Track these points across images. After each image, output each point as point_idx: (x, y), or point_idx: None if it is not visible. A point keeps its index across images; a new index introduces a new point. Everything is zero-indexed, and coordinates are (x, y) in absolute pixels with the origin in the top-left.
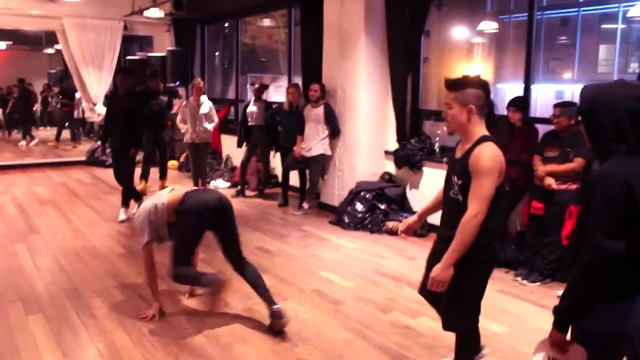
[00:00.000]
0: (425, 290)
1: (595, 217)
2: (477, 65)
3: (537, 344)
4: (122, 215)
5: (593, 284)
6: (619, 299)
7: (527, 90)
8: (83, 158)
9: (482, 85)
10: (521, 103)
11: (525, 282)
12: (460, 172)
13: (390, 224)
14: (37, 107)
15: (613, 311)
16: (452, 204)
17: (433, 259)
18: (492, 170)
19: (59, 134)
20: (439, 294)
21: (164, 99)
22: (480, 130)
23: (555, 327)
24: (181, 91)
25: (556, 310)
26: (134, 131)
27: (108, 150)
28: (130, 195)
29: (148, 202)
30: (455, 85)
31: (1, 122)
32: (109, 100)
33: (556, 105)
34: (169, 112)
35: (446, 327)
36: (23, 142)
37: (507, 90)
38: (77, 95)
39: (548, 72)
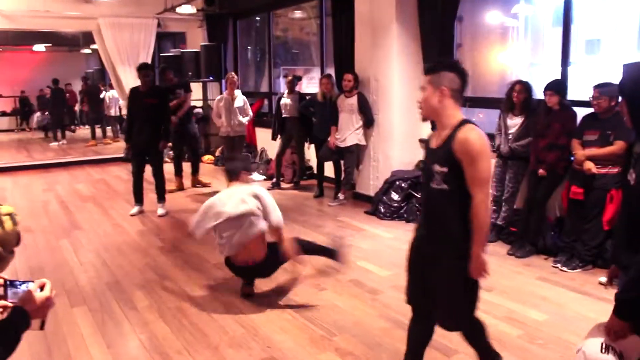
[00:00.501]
0: (414, 298)
1: None
2: (512, 49)
3: (591, 328)
4: (160, 210)
5: None
6: None
7: (564, 71)
8: (121, 155)
9: (457, 69)
10: (558, 86)
11: (565, 268)
12: (444, 160)
13: None
14: (77, 106)
15: None
16: (437, 195)
17: (416, 257)
18: (484, 152)
19: (92, 132)
20: (429, 300)
21: (180, 92)
22: (457, 115)
23: (615, 314)
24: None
25: (618, 297)
26: (162, 126)
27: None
28: (164, 189)
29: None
30: (431, 68)
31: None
32: (131, 97)
33: (595, 87)
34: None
35: (448, 327)
36: (55, 143)
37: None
38: (105, 94)
39: (586, 52)
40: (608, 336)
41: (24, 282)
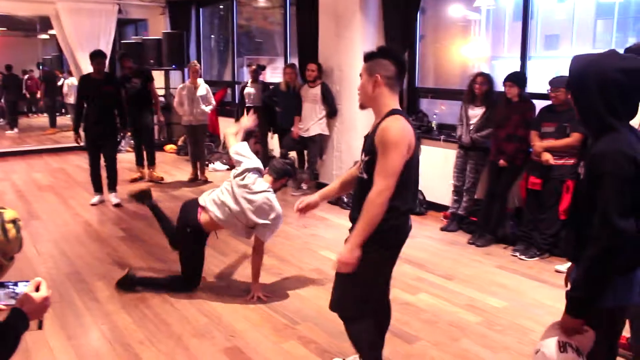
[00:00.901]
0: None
1: (606, 197)
2: (474, 42)
3: (547, 328)
4: (114, 200)
5: (611, 264)
6: (623, 273)
7: (523, 65)
8: (82, 144)
9: (392, 56)
10: (518, 78)
11: (523, 257)
12: (367, 149)
13: None
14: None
15: (618, 286)
16: (358, 183)
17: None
18: (397, 144)
19: (51, 120)
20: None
21: (137, 81)
22: (391, 104)
23: (569, 313)
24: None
25: (571, 296)
26: (117, 114)
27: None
28: (116, 178)
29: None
30: (367, 55)
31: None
32: (84, 85)
33: (550, 81)
34: (148, 94)
35: (330, 306)
36: (10, 131)
37: (504, 66)
38: (64, 81)
39: (544, 47)
40: (564, 333)
41: (15, 283)
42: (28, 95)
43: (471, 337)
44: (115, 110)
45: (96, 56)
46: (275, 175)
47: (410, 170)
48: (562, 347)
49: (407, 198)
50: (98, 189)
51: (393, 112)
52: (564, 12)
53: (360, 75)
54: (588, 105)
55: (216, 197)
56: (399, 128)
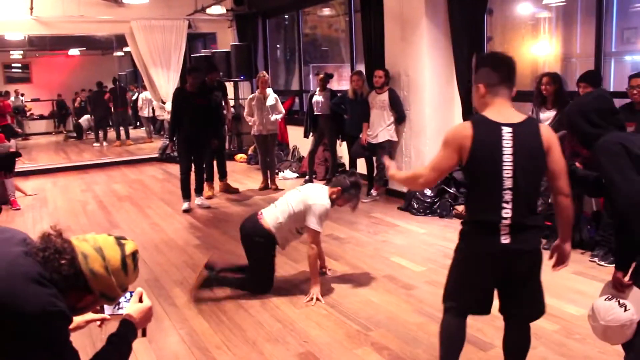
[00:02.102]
0: None
1: (610, 173)
2: (544, 41)
3: (603, 287)
4: (201, 201)
5: (631, 223)
6: None
7: (598, 64)
8: (155, 155)
9: (490, 62)
10: (592, 78)
11: (602, 262)
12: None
13: (460, 208)
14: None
15: None
16: None
17: None
18: (444, 143)
19: (117, 133)
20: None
21: (218, 94)
22: (486, 110)
23: (615, 267)
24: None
25: (613, 252)
26: (215, 125)
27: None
28: (203, 182)
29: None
30: (474, 65)
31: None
32: (179, 98)
33: (632, 76)
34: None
35: (539, 313)
36: (97, 144)
37: (578, 64)
38: (139, 95)
39: (622, 42)
40: (613, 288)
41: None
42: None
43: (548, 346)
44: (208, 121)
45: (192, 71)
46: (335, 186)
47: (474, 178)
48: (608, 298)
49: (475, 209)
50: (187, 195)
51: (470, 118)
52: None
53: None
54: (584, 131)
55: (272, 206)
56: (452, 130)
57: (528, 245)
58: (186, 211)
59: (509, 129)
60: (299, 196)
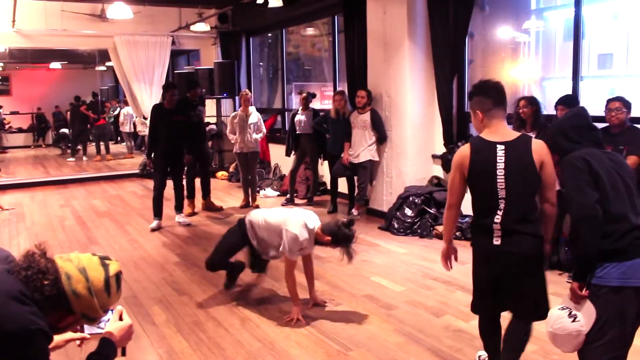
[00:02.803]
0: None
1: (570, 186)
2: (524, 64)
3: (563, 302)
4: (181, 219)
5: (584, 235)
6: (614, 258)
7: (575, 85)
8: (136, 171)
9: (483, 91)
10: (570, 101)
11: None
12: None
13: (440, 229)
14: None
15: (611, 267)
16: None
17: None
18: (452, 166)
19: (98, 149)
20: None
21: (202, 109)
22: (484, 131)
23: (572, 277)
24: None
25: (572, 263)
26: (193, 141)
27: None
28: (183, 200)
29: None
30: (469, 95)
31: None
32: (156, 114)
33: (612, 100)
34: (203, 124)
35: (540, 315)
36: (72, 159)
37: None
38: (120, 110)
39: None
40: (570, 299)
41: None
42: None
43: None
44: (184, 137)
45: (169, 87)
46: (330, 236)
47: (474, 189)
48: (562, 307)
49: (476, 214)
50: (159, 214)
51: (471, 139)
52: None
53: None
54: (565, 148)
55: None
56: (456, 153)
57: (517, 248)
58: (154, 230)
59: (502, 147)
60: (282, 215)
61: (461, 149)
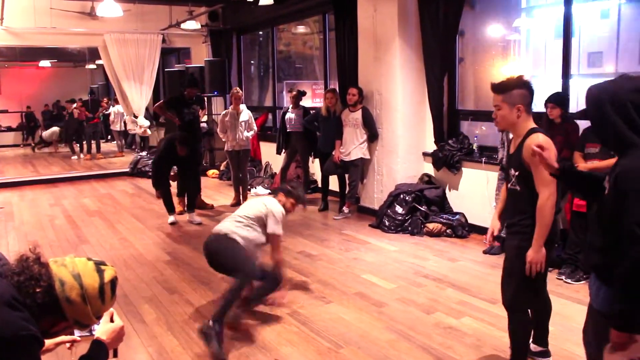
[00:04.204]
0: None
1: (633, 213)
2: (514, 62)
3: (604, 354)
4: (197, 219)
5: None
6: None
7: (565, 84)
8: (126, 169)
9: (526, 85)
10: (560, 99)
11: (569, 280)
12: (516, 165)
13: (431, 226)
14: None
15: None
16: (512, 194)
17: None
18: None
19: (89, 147)
20: None
21: (196, 108)
22: (529, 124)
23: (616, 328)
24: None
25: (618, 311)
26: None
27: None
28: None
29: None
30: (502, 88)
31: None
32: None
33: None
34: (198, 123)
35: (507, 302)
36: (75, 157)
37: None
38: (111, 109)
39: (588, 65)
40: (618, 350)
41: None
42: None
43: None
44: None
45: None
46: (293, 198)
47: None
48: None
49: (559, 198)
50: (172, 209)
51: (533, 130)
52: (608, 28)
53: (497, 106)
54: (607, 128)
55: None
56: (545, 142)
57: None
58: (173, 223)
59: None
60: (254, 206)
61: (546, 137)
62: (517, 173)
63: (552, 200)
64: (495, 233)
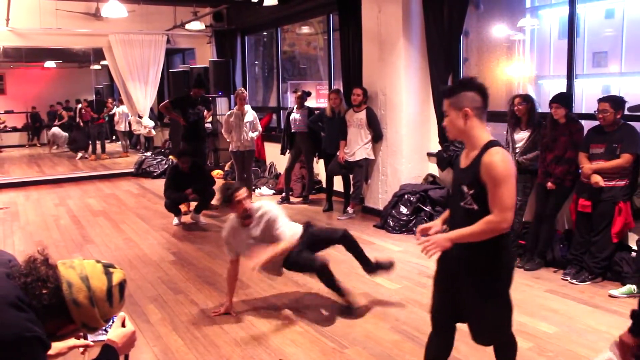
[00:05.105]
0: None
1: None
2: (518, 63)
3: (609, 346)
4: (203, 221)
5: None
6: None
7: (570, 85)
8: (131, 170)
9: (477, 87)
10: (564, 99)
11: (574, 281)
12: (470, 181)
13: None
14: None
15: None
16: (464, 213)
17: (442, 273)
18: (507, 178)
19: (94, 147)
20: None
21: (201, 108)
22: (484, 135)
23: (631, 331)
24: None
25: (636, 314)
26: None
27: None
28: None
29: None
30: (449, 90)
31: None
32: (172, 172)
33: (600, 100)
34: (202, 123)
35: (485, 340)
36: (87, 155)
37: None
38: (115, 109)
39: (593, 65)
40: (621, 352)
41: None
42: (82, 124)
43: None
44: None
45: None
46: None
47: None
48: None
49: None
50: (177, 213)
51: (492, 144)
52: (613, 28)
53: (445, 111)
54: None
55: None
56: (506, 161)
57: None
58: (178, 224)
59: None
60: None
61: (506, 156)
62: (472, 192)
63: (503, 227)
64: (431, 232)
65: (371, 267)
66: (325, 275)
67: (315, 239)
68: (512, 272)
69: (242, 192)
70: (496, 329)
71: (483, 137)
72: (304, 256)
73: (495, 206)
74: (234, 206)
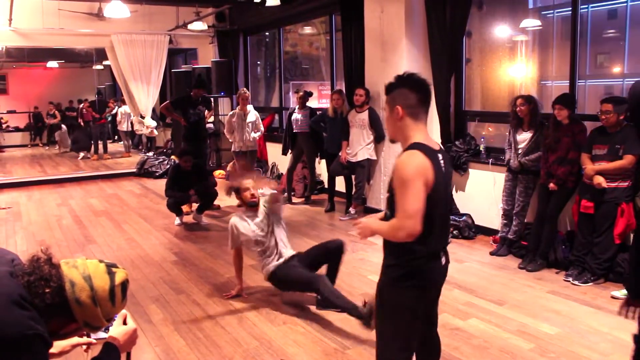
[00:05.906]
0: None
1: None
2: (521, 63)
3: None
4: (204, 221)
5: None
6: None
7: (572, 86)
8: (133, 170)
9: (413, 84)
10: (567, 100)
11: (577, 282)
12: (389, 185)
13: None
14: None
15: None
16: (388, 220)
17: None
18: (409, 182)
19: (96, 147)
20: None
21: (202, 108)
22: (414, 135)
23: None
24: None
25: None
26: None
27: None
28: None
29: None
30: (387, 87)
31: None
32: (175, 170)
33: (603, 101)
34: (203, 123)
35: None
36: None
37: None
38: (118, 109)
39: (596, 67)
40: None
41: None
42: (82, 124)
43: None
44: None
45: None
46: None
47: (433, 208)
48: None
49: (431, 241)
50: (179, 214)
51: (412, 146)
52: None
53: (383, 109)
54: None
55: None
56: (412, 164)
57: (447, 261)
58: (180, 224)
59: (441, 156)
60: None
61: (418, 158)
62: (387, 195)
63: (400, 235)
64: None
65: (324, 299)
66: (327, 291)
67: (311, 254)
68: (413, 314)
69: (250, 182)
70: (380, 355)
71: (412, 138)
72: (301, 272)
73: (397, 211)
74: (242, 194)
